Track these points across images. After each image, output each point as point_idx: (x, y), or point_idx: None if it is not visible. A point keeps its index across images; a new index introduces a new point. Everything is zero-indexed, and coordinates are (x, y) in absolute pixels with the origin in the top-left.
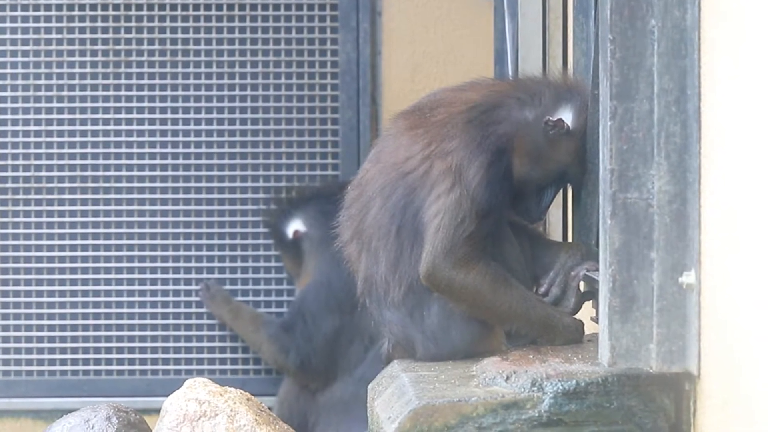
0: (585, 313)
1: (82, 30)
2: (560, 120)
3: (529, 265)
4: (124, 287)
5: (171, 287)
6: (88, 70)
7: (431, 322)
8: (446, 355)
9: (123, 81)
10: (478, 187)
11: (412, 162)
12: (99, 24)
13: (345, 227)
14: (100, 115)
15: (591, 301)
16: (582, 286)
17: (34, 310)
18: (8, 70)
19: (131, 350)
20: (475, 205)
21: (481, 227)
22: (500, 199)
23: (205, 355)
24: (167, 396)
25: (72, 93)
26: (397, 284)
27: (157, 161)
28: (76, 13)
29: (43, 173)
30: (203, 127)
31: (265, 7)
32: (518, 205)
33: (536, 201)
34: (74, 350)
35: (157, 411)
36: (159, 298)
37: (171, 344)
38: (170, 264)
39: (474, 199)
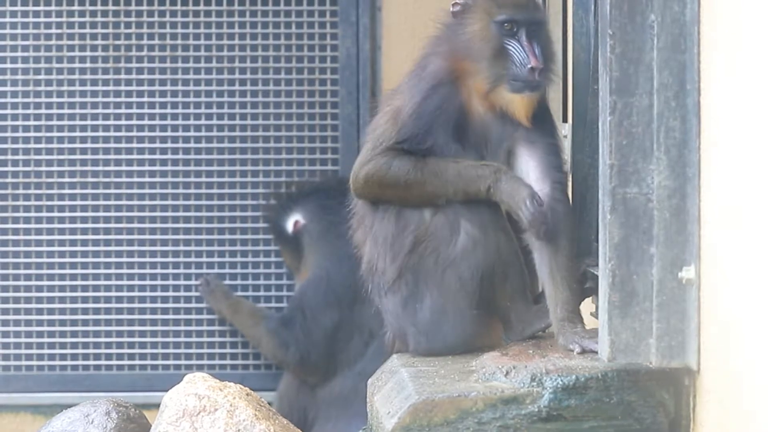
0: (585, 308)
1: (82, 25)
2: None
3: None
4: (124, 282)
5: (171, 282)
6: (88, 65)
7: (423, 316)
8: (437, 351)
9: (123, 76)
10: (410, 117)
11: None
12: (99, 19)
13: (354, 216)
14: (99, 111)
15: (591, 297)
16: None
17: (33, 305)
18: (8, 65)
19: (131, 345)
20: (404, 128)
21: (402, 144)
22: (435, 123)
23: (204, 350)
24: (167, 391)
25: (72, 88)
26: (391, 261)
27: (157, 156)
28: (75, 8)
29: (43, 168)
30: (203, 122)
31: (264, 2)
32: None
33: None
34: (74, 345)
35: (157, 406)
36: (159, 293)
37: (170, 339)
38: (170, 259)
39: (404, 125)
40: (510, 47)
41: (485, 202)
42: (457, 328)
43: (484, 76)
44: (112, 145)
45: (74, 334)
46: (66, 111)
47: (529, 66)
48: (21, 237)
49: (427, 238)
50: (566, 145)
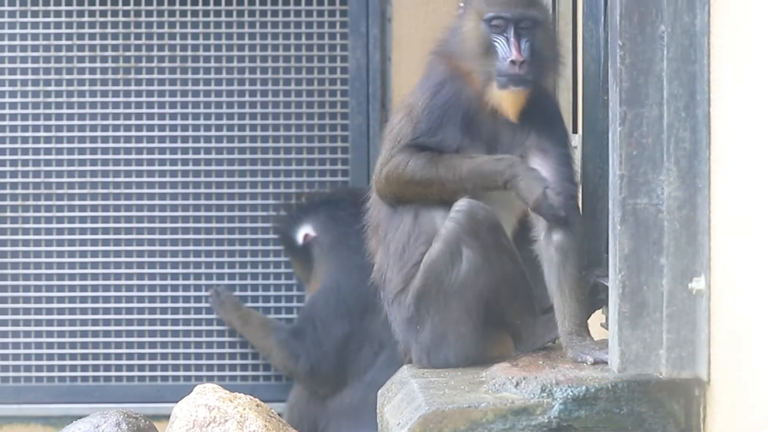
0: (595, 319)
1: (92, 36)
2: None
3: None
4: (134, 293)
5: (181, 293)
6: (98, 76)
7: (425, 336)
8: (439, 368)
9: (133, 87)
10: (422, 113)
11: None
12: (109, 30)
13: (369, 224)
14: (110, 122)
15: (601, 308)
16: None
17: (43, 317)
18: (18, 77)
19: (141, 356)
20: (418, 125)
21: (417, 140)
22: (446, 115)
23: (214, 361)
24: (177, 402)
25: (82, 99)
26: (398, 272)
27: (167, 167)
28: (86, 19)
29: (54, 179)
30: (213, 133)
31: (275, 13)
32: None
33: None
34: (84, 356)
35: (167, 417)
36: (169, 304)
37: (181, 350)
38: (180, 270)
39: (419, 121)
40: (497, 43)
41: (486, 224)
42: (458, 350)
43: (477, 75)
44: (122, 156)
45: (84, 345)
46: (76, 122)
47: (509, 59)
48: (31, 248)
49: (430, 265)
50: (576, 156)
